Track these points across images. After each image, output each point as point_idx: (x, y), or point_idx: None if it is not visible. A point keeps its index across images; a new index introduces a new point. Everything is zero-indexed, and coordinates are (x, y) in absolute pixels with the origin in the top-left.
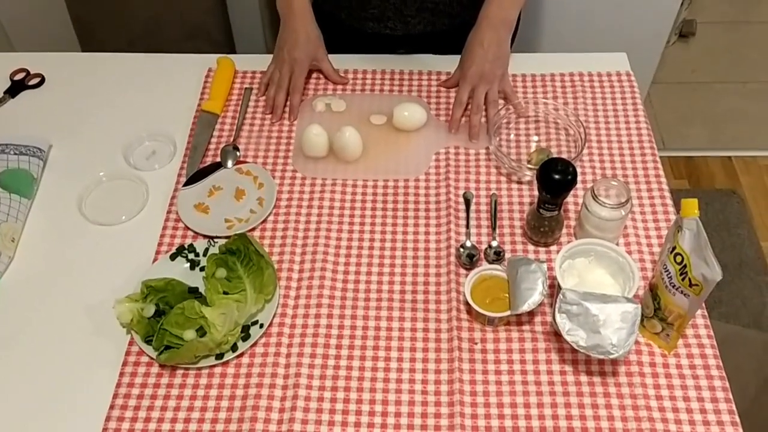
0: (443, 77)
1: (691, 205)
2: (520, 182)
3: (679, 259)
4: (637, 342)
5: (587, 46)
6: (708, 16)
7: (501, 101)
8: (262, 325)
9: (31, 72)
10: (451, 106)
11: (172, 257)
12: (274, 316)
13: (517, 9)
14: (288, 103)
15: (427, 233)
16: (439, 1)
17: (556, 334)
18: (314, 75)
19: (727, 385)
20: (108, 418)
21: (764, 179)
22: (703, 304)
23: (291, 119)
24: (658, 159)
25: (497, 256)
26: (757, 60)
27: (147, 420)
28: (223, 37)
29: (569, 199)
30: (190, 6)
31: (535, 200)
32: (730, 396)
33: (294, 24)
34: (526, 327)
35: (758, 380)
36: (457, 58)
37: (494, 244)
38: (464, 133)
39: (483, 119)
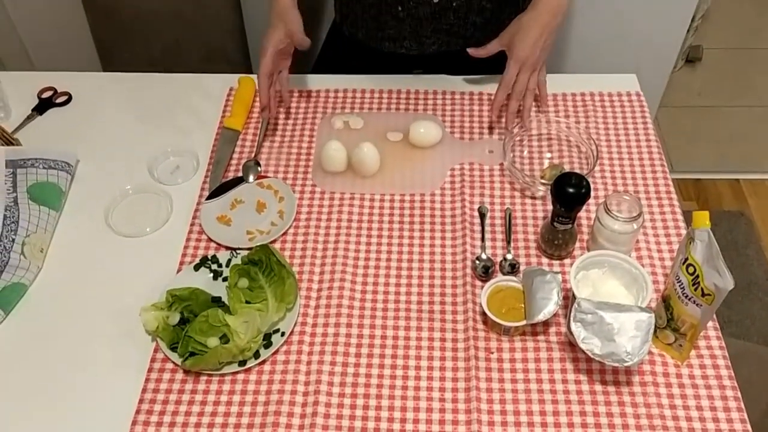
0: (458, 96)
1: (703, 217)
2: (533, 197)
3: (691, 269)
4: (650, 353)
5: (597, 70)
6: (714, 42)
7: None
8: (283, 333)
9: (59, 90)
10: (465, 124)
11: (196, 268)
12: (294, 325)
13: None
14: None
15: (443, 246)
16: (453, 22)
17: (570, 344)
18: (332, 93)
19: (739, 395)
20: (134, 423)
21: None
22: (715, 317)
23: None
24: (668, 176)
25: (512, 269)
26: (763, 85)
27: (172, 425)
28: (241, 59)
29: (582, 213)
30: (209, 29)
31: (549, 215)
32: (742, 405)
33: (272, 21)
34: (541, 337)
35: None
36: (473, 78)
37: (509, 256)
38: (479, 149)
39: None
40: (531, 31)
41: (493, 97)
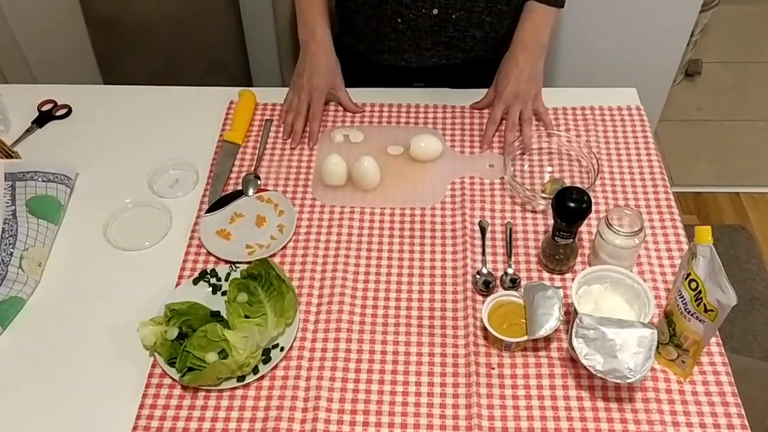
0: (458, 110)
1: (705, 233)
2: (534, 212)
3: (693, 285)
4: (653, 369)
5: (597, 84)
6: (713, 56)
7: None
8: (282, 349)
9: (59, 103)
10: (465, 138)
11: (195, 282)
12: (294, 340)
13: (549, 31)
14: (307, 129)
15: (443, 260)
16: (453, 35)
17: (572, 360)
18: (332, 107)
19: (743, 411)
20: None
21: None
22: (717, 332)
23: (310, 146)
24: (669, 190)
25: (513, 284)
26: (762, 99)
27: None
28: (242, 73)
29: (583, 228)
30: (210, 43)
31: (550, 229)
32: (746, 422)
33: (315, 52)
34: (542, 353)
35: None
36: (473, 91)
37: (510, 271)
38: (480, 163)
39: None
40: (511, 69)
41: (482, 133)
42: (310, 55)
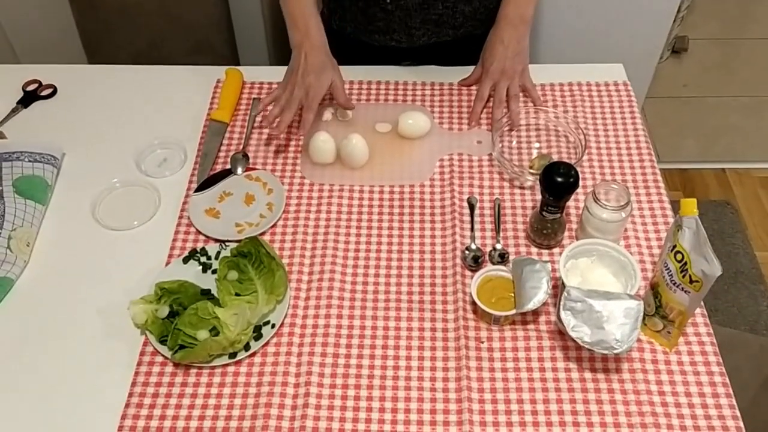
0: (446, 87)
1: (691, 205)
2: (522, 187)
3: (679, 257)
4: (639, 340)
5: (583, 62)
6: (700, 33)
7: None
8: (273, 325)
9: (44, 83)
10: (453, 115)
11: (185, 260)
12: (285, 317)
13: (533, 6)
14: (301, 120)
15: (432, 236)
16: (442, 12)
17: (560, 333)
18: None
19: (727, 380)
20: (123, 417)
21: (757, 191)
22: (702, 304)
23: (302, 133)
24: (655, 165)
25: (501, 259)
26: (747, 75)
27: (162, 418)
28: (228, 52)
29: (571, 203)
30: (195, 21)
31: (538, 204)
32: (730, 391)
33: (309, 51)
34: (530, 326)
35: (757, 381)
36: (460, 68)
37: (498, 246)
38: (468, 140)
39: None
40: (496, 46)
41: (470, 110)
42: (304, 53)
